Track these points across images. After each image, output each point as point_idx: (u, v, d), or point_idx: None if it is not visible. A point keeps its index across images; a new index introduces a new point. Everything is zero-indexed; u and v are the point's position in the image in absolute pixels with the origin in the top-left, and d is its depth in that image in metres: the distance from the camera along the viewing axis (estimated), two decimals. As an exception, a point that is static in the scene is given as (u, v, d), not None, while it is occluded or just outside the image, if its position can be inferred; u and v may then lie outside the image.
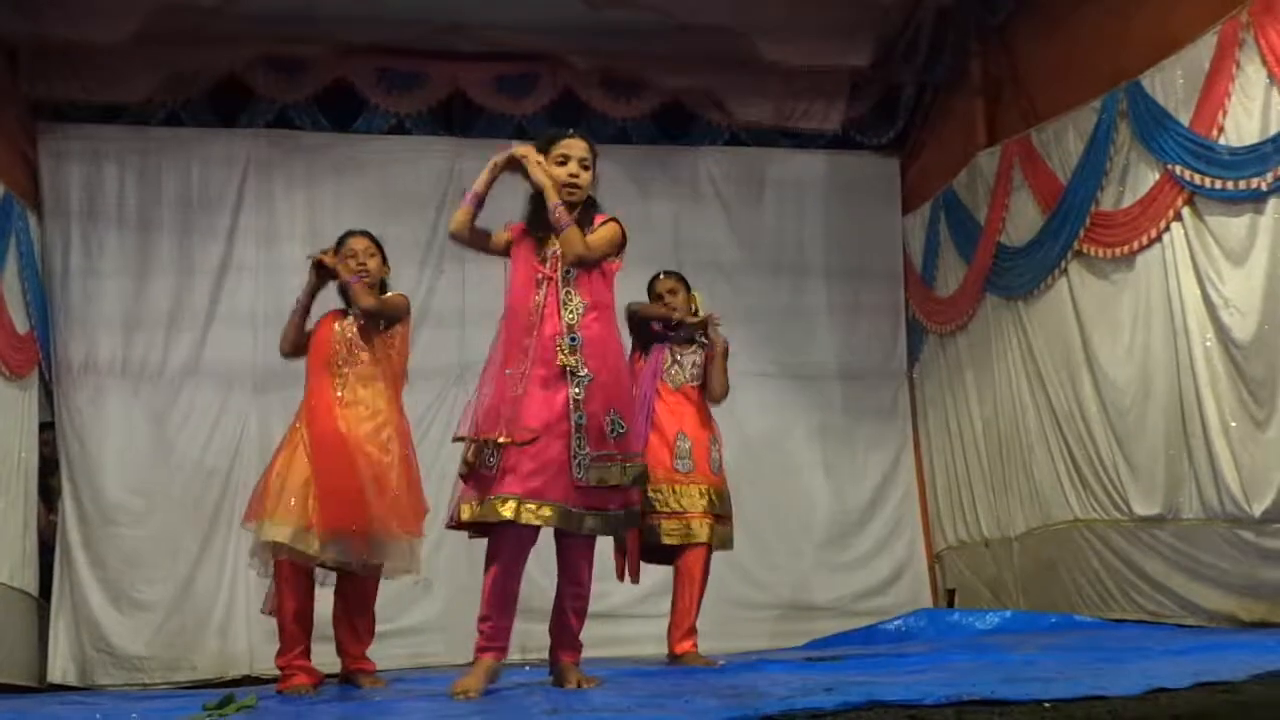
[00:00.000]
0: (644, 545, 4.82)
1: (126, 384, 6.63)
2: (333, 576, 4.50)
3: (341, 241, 4.58)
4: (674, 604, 4.84)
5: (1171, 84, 5.23)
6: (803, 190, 7.57)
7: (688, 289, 5.12)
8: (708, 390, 4.98)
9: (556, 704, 3.18)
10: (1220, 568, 5.02)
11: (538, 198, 3.76)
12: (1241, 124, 4.86)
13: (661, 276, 5.13)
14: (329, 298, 4.64)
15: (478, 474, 3.58)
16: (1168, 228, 5.27)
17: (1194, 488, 5.16)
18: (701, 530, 4.78)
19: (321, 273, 4.54)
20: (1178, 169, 5.14)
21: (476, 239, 3.83)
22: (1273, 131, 4.69)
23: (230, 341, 6.71)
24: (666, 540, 4.78)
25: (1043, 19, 6.37)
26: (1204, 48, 5.02)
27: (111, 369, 6.63)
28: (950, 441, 7.11)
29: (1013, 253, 6.41)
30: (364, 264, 4.50)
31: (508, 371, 3.62)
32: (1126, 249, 5.54)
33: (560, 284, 3.69)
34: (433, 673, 5.27)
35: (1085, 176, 5.77)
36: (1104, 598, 5.73)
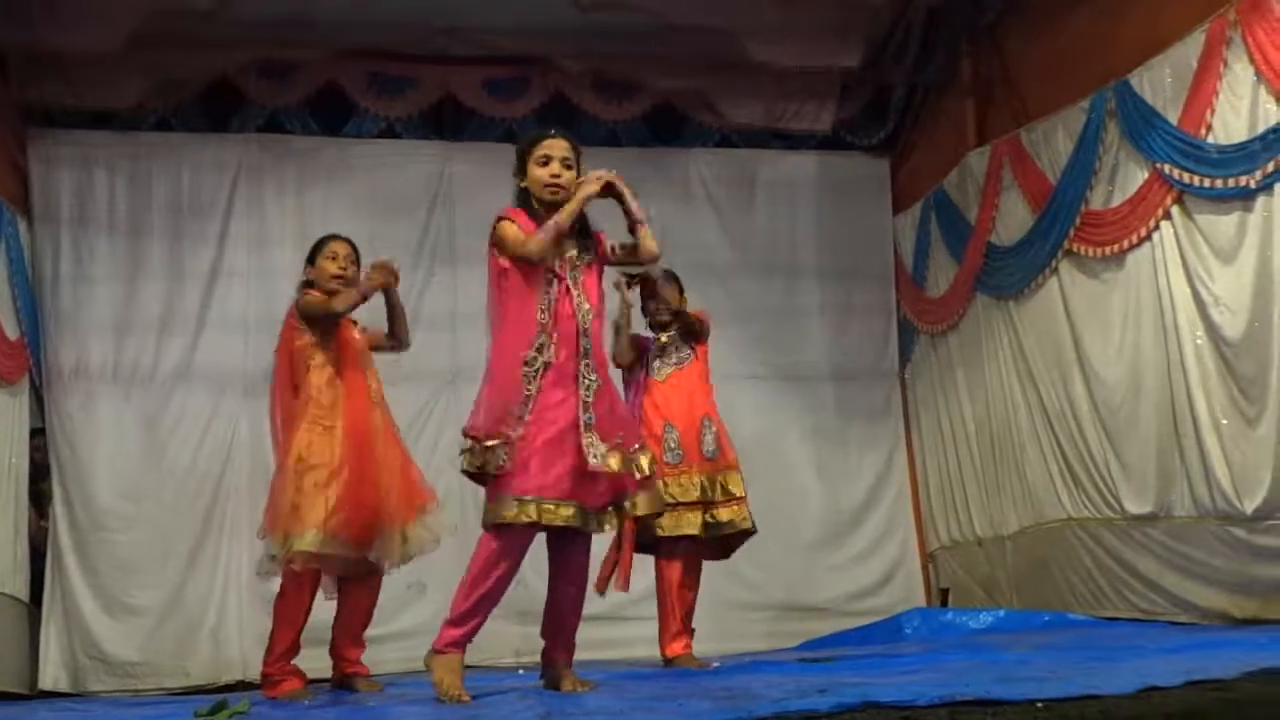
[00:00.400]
0: (643, 542, 4.79)
1: (117, 389, 6.61)
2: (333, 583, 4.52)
3: (323, 244, 4.58)
4: (657, 608, 4.84)
5: (1160, 83, 5.25)
6: (794, 191, 7.59)
7: (680, 289, 5.09)
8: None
9: (550, 708, 3.18)
10: (1212, 565, 5.04)
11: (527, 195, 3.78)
12: (1229, 122, 4.87)
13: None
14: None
15: (487, 473, 3.56)
16: (1157, 226, 5.29)
17: (1185, 486, 5.17)
18: (690, 521, 4.73)
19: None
20: (1166, 168, 5.16)
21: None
22: (1260, 130, 4.70)
23: (221, 346, 6.69)
24: (659, 533, 4.73)
25: (1032, 19, 6.39)
26: (1192, 47, 5.04)
27: (102, 374, 6.61)
28: (943, 441, 7.12)
29: (1003, 252, 6.43)
30: (344, 269, 4.51)
31: (524, 366, 3.58)
32: (1116, 248, 5.55)
33: (570, 285, 3.69)
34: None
35: (1075, 176, 5.78)
36: (1097, 596, 5.74)
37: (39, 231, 6.64)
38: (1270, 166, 4.64)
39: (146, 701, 5.42)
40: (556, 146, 3.76)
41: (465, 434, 3.63)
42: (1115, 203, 5.57)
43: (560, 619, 3.75)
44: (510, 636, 5.89)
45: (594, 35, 6.80)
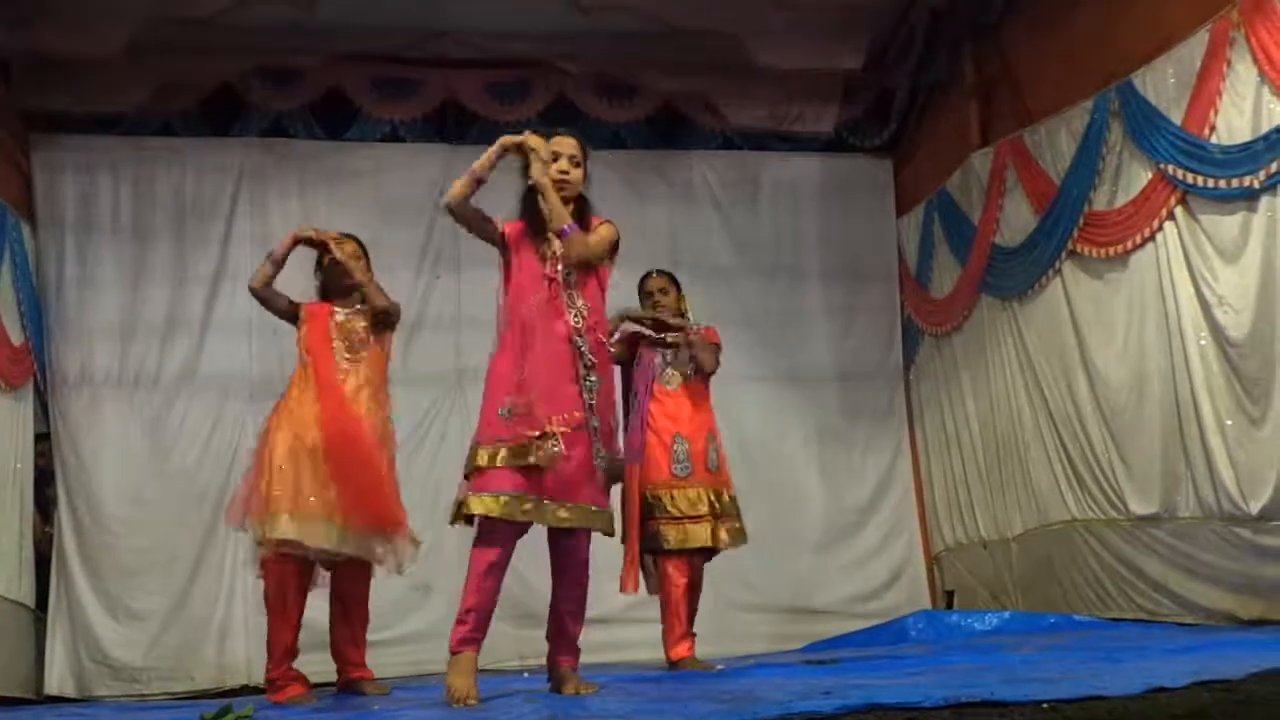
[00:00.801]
0: (649, 551, 4.81)
1: (122, 394, 6.62)
2: (325, 580, 4.49)
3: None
4: (660, 611, 4.85)
5: (1163, 83, 5.24)
6: (797, 193, 7.59)
7: (678, 289, 5.11)
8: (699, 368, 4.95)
9: (555, 711, 3.18)
10: (1217, 566, 5.03)
11: (530, 196, 3.76)
12: (1233, 122, 4.86)
13: (654, 275, 5.13)
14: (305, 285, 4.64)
15: (494, 472, 3.56)
16: (1161, 227, 5.28)
17: (1190, 486, 5.16)
18: (698, 535, 4.78)
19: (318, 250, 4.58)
20: (1170, 168, 5.15)
21: (473, 216, 3.75)
22: (1264, 130, 4.69)
23: (225, 350, 6.70)
24: (667, 546, 4.78)
25: (1035, 19, 6.38)
26: (1195, 47, 5.03)
27: (107, 379, 6.62)
28: (947, 442, 7.12)
29: (1007, 253, 6.42)
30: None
31: (505, 398, 3.60)
32: (1120, 248, 5.55)
33: (563, 286, 3.69)
34: (432, 681, 5.25)
35: (1078, 176, 5.77)
36: (1102, 597, 5.73)
37: (43, 236, 6.66)
38: (1274, 166, 4.63)
39: (151, 706, 5.42)
40: (565, 144, 3.79)
41: (490, 437, 3.61)
42: (1119, 203, 5.56)
43: (562, 623, 3.76)
44: (514, 639, 5.89)
45: (596, 38, 6.80)
